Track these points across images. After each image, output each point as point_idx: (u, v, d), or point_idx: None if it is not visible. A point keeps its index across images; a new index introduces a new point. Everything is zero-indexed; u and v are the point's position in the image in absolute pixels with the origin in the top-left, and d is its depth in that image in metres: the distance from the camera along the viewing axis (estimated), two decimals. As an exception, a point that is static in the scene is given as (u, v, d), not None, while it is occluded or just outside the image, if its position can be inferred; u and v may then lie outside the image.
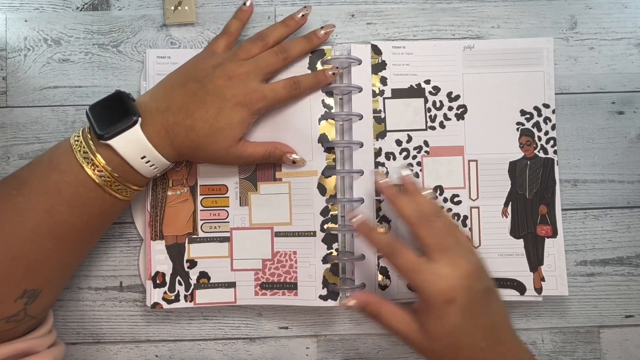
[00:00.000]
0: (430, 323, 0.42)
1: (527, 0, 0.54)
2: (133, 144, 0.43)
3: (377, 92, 0.51)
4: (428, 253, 0.42)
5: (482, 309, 0.42)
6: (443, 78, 0.52)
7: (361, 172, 0.50)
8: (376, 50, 0.51)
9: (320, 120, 0.51)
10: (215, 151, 0.46)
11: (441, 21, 0.53)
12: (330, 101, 0.51)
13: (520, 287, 0.50)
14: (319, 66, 0.51)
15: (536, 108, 0.52)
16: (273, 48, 0.48)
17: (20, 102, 0.52)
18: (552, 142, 0.52)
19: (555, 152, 0.51)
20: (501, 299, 0.44)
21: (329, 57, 0.51)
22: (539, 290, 0.50)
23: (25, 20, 0.53)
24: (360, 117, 0.51)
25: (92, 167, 0.42)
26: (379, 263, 0.50)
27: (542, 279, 0.50)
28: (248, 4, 0.50)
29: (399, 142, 0.51)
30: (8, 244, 0.41)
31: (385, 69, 0.51)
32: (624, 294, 0.52)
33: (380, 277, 0.50)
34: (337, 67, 0.50)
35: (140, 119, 0.43)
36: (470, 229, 0.51)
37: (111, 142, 0.42)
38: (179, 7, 0.52)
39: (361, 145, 0.51)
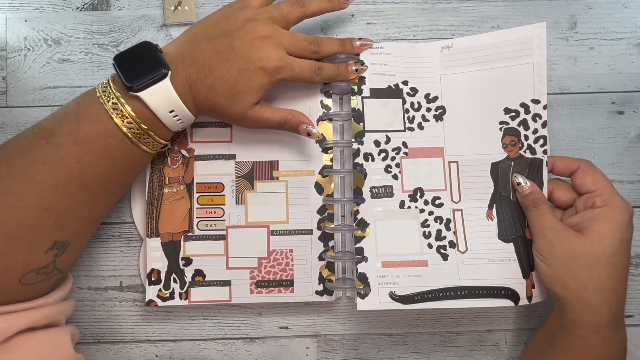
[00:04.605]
0: (596, 227, 0.44)
1: (527, 0, 0.54)
2: (163, 97, 0.42)
3: (356, 90, 0.50)
4: None
5: (617, 267, 0.44)
6: (421, 79, 0.50)
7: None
8: None
9: (318, 121, 0.51)
10: (231, 113, 0.45)
11: (441, 21, 0.53)
12: (328, 102, 0.51)
13: (514, 296, 0.48)
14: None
15: (523, 105, 0.49)
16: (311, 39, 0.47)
17: (20, 102, 0.52)
18: (541, 141, 0.49)
19: (545, 152, 0.48)
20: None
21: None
22: (529, 298, 0.48)
23: (25, 20, 0.53)
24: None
25: (122, 119, 0.41)
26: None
27: (533, 286, 0.48)
28: None
29: (377, 143, 0.50)
30: (39, 195, 0.40)
31: None
32: (624, 294, 0.52)
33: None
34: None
35: (170, 72, 0.42)
36: (455, 233, 0.49)
37: (141, 94, 0.41)
38: (179, 7, 0.52)
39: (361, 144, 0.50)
